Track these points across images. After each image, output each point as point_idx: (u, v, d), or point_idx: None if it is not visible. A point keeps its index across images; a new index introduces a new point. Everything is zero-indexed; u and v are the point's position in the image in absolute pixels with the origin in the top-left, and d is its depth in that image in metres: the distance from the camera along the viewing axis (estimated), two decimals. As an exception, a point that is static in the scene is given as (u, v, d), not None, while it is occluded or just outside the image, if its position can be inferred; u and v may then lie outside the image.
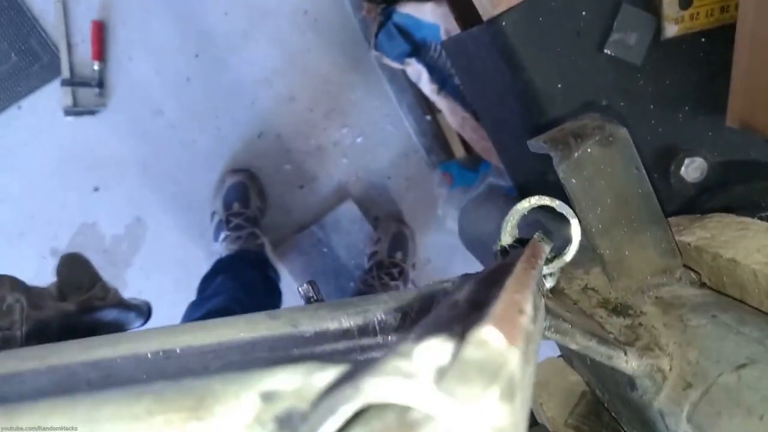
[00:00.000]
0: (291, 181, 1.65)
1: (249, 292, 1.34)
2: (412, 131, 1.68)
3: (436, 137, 1.67)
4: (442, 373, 0.14)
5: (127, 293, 1.72)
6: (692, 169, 0.59)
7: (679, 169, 0.59)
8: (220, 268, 1.44)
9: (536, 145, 0.43)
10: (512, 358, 0.15)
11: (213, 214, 1.58)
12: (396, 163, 1.73)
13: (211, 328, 0.29)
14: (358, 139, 1.69)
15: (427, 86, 1.42)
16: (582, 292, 0.44)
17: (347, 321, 0.30)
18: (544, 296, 0.34)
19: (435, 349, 0.15)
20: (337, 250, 1.71)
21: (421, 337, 0.15)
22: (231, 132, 1.61)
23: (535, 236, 0.37)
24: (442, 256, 1.77)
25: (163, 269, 1.60)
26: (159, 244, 1.60)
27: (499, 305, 0.17)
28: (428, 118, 1.65)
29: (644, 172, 0.42)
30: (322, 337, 0.30)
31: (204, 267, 1.48)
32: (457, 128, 1.44)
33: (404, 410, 0.14)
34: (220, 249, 1.53)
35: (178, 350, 0.27)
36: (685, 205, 0.59)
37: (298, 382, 0.21)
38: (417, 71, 1.43)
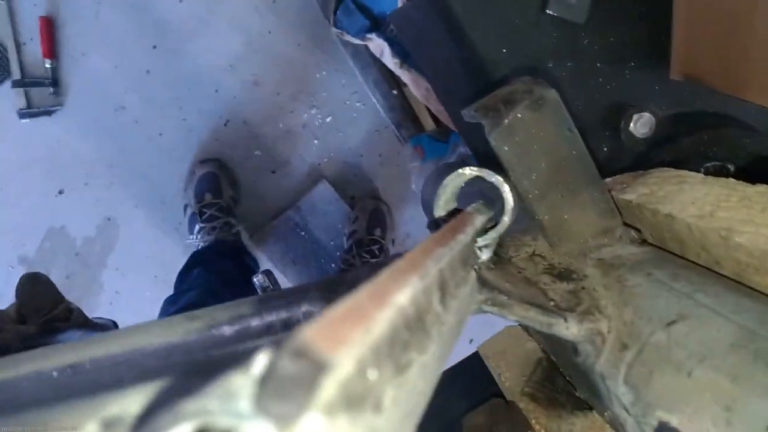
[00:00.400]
0: (262, 166, 1.63)
1: (226, 283, 1.32)
2: (380, 107, 1.66)
3: (404, 111, 1.65)
4: (262, 389, 0.12)
5: (104, 295, 1.69)
6: (641, 124, 0.58)
7: (628, 125, 0.58)
8: (195, 261, 1.42)
9: (469, 114, 0.42)
10: (342, 366, 0.13)
11: (185, 206, 1.56)
12: (368, 141, 1.72)
13: (125, 337, 0.28)
14: (328, 119, 1.67)
15: (390, 60, 1.40)
16: (529, 259, 0.43)
17: (270, 316, 0.29)
18: (475, 268, 0.34)
19: (271, 359, 0.13)
20: (316, 233, 1.70)
21: (278, 342, 0.14)
22: (197, 122, 1.58)
23: (468, 208, 0.36)
24: (422, 229, 1.76)
25: (139, 268, 1.58)
26: (133, 243, 1.58)
27: (348, 301, 0.16)
28: (395, 92, 1.62)
29: (577, 132, 0.41)
30: (244, 335, 0.29)
31: (181, 261, 1.46)
32: (423, 100, 1.42)
33: None
34: (196, 241, 1.51)
35: (87, 365, 0.26)
36: (637, 161, 0.58)
37: (143, 404, 0.20)
38: (379, 46, 1.40)
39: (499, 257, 0.42)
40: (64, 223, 1.56)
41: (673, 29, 0.52)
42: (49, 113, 1.48)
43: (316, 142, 1.66)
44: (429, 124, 1.63)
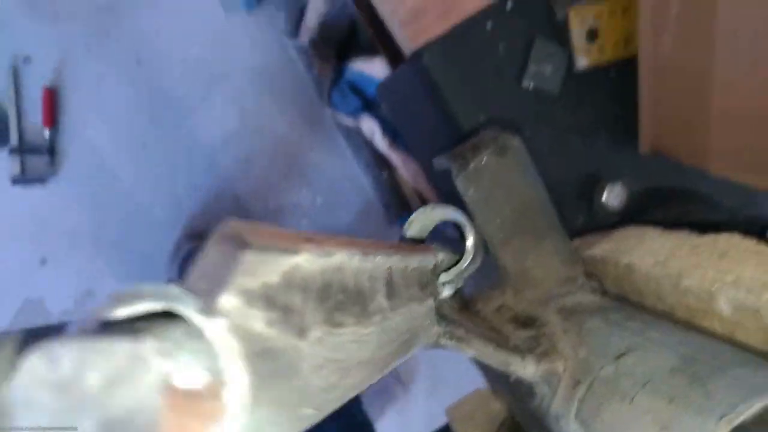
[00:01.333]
0: (250, 243, 1.63)
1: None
2: (370, 188, 1.69)
3: (393, 193, 1.68)
4: (190, 272, 0.14)
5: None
6: (613, 196, 0.59)
7: (601, 197, 0.59)
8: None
9: (440, 162, 0.43)
10: (263, 250, 0.14)
11: (169, 282, 1.54)
12: (357, 221, 1.73)
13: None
14: (318, 199, 1.69)
15: (380, 141, 1.44)
16: (496, 311, 0.43)
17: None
18: (435, 298, 0.34)
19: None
20: (299, 312, 1.67)
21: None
22: (188, 196, 1.59)
23: (433, 244, 0.36)
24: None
25: (115, 339, 1.53)
26: (111, 313, 1.54)
27: (278, 229, 0.16)
28: (384, 174, 1.66)
29: (540, 179, 0.42)
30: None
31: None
32: (411, 181, 1.45)
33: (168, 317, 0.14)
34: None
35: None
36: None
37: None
38: (371, 128, 1.45)
39: (466, 308, 0.42)
40: (43, 294, 1.53)
41: (639, 107, 0.55)
42: (42, 181, 1.49)
43: (305, 221, 1.67)
44: (417, 205, 1.64)
